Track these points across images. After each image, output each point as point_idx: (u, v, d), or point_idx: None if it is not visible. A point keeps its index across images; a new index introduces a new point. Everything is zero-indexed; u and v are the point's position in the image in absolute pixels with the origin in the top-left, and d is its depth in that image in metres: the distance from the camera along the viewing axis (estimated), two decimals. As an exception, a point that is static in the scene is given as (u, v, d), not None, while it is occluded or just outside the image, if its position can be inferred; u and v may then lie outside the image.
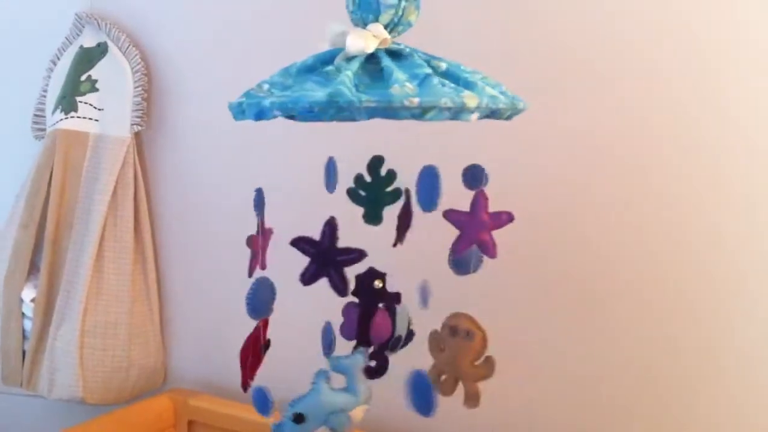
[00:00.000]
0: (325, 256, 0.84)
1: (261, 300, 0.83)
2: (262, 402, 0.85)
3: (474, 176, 0.79)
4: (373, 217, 0.86)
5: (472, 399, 0.81)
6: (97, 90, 1.50)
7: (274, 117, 0.69)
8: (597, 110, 1.07)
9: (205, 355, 1.52)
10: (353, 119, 0.66)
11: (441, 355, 0.82)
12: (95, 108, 1.50)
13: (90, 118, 1.50)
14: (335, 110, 0.65)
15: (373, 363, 0.86)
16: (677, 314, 1.05)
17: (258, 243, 0.85)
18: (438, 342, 0.83)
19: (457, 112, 0.67)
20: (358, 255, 0.84)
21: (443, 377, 0.83)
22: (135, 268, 1.50)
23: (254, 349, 0.85)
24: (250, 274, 0.86)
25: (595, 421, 1.13)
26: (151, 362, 1.53)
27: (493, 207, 0.79)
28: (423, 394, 0.81)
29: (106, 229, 1.47)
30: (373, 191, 0.86)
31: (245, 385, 0.85)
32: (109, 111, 1.50)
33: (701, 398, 1.05)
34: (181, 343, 1.56)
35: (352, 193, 0.87)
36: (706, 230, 1.02)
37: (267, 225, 0.86)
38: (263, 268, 0.87)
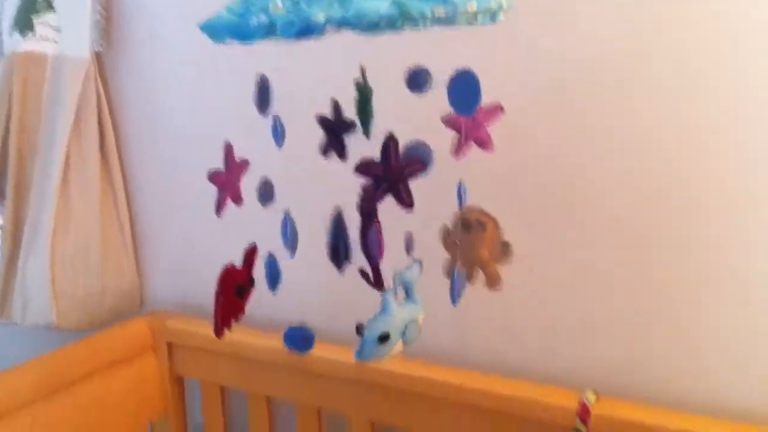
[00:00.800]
0: (393, 173, 0.83)
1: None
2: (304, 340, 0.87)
3: (417, 81, 0.79)
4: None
5: (494, 282, 0.84)
6: (53, 9, 1.45)
7: (320, 34, 0.67)
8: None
9: (182, 276, 1.52)
10: (396, 30, 0.66)
11: (456, 248, 0.84)
12: (53, 28, 1.45)
13: (48, 39, 1.45)
14: (403, 20, 0.66)
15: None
16: (677, 200, 1.05)
17: (223, 179, 0.85)
18: (452, 237, 0.84)
19: (494, 14, 0.72)
20: (420, 166, 0.83)
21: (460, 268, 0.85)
22: (103, 192, 1.48)
23: (228, 291, 0.84)
24: (218, 211, 0.85)
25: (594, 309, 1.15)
26: (126, 286, 1.52)
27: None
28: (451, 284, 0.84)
29: (71, 153, 1.44)
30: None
31: (218, 333, 0.85)
32: (67, 31, 1.45)
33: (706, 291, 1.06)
34: (156, 266, 1.55)
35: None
36: (706, 114, 1.01)
37: (239, 156, 0.85)
38: (237, 202, 0.86)
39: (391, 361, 0.93)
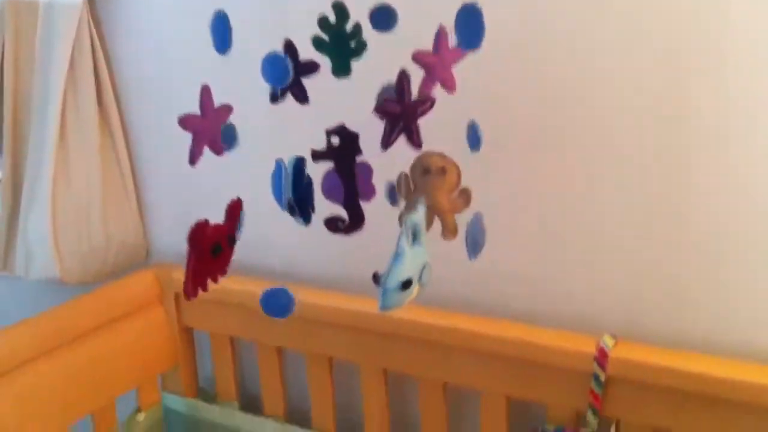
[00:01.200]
0: (408, 111, 0.80)
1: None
2: (280, 306, 0.84)
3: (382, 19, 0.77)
4: (341, 68, 0.81)
5: (451, 231, 0.82)
6: (42, -46, 1.39)
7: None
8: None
9: (187, 227, 1.48)
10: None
11: (412, 194, 0.81)
12: (42, -28, 1.40)
13: (38, -16, 1.40)
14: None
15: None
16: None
17: (198, 124, 0.80)
18: (408, 182, 0.81)
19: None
20: (431, 104, 0.80)
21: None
22: (102, 142, 1.44)
23: (200, 251, 0.81)
24: (192, 161, 0.81)
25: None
26: (131, 238, 1.50)
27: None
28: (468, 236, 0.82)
29: (67, 102, 1.39)
30: (337, 40, 0.81)
31: (188, 294, 0.82)
32: (57, -25, 1.40)
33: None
34: (160, 217, 1.52)
35: (316, 42, 0.81)
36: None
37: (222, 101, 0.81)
38: (216, 150, 0.82)
39: (403, 309, 0.91)
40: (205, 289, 0.83)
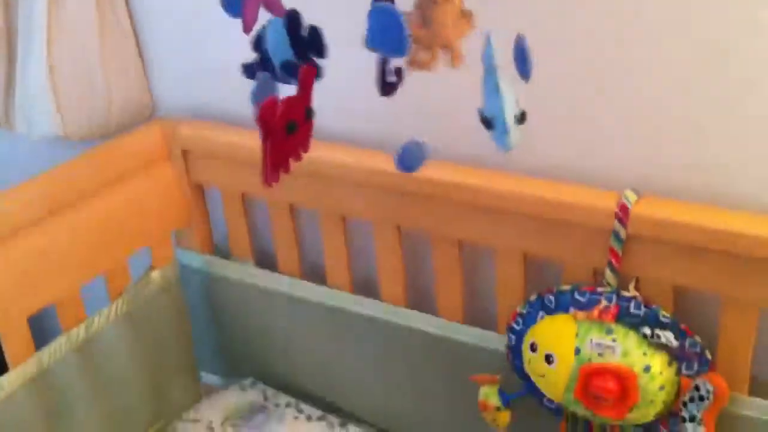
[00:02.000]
0: None
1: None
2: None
3: None
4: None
5: (458, 58, 0.78)
6: None
7: None
8: None
9: (192, 83, 1.43)
10: None
11: (423, 27, 0.77)
12: None
13: None
14: None
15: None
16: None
17: None
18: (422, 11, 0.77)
19: None
20: None
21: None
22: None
23: (274, 131, 0.74)
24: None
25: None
26: (135, 93, 1.44)
27: None
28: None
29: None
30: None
31: (268, 180, 0.77)
32: None
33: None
34: (165, 72, 1.46)
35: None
36: None
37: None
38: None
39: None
40: (287, 170, 0.79)
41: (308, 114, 0.78)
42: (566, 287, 1.05)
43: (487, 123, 0.76)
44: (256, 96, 0.77)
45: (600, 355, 1.00)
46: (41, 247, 1.19)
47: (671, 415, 1.03)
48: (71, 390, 1.25)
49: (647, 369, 0.99)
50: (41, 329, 1.25)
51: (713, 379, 0.98)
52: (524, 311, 1.09)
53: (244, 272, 1.40)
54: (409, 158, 0.88)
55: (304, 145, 0.80)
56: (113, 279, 1.30)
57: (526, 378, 1.10)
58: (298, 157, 0.80)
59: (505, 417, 1.14)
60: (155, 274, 1.37)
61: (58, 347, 1.22)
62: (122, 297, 1.31)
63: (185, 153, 1.37)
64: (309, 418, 1.42)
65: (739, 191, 1.00)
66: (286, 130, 0.76)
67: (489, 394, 1.13)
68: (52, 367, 1.21)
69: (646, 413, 1.02)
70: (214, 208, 1.44)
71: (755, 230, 0.93)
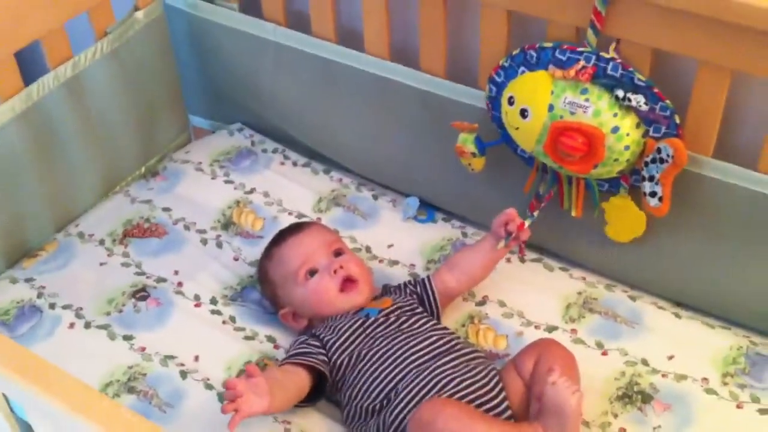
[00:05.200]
0: None
1: None
2: None
3: None
4: None
5: None
6: None
7: None
8: None
9: None
10: None
11: None
12: None
13: None
14: None
15: None
16: None
17: None
18: None
19: None
20: None
21: None
22: None
23: None
24: None
25: None
26: None
27: None
28: None
29: None
30: None
31: None
32: None
33: None
34: None
35: None
36: None
37: None
38: None
39: None
40: None
41: None
42: (548, 44, 1.06)
43: None
44: None
45: (572, 113, 1.03)
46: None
47: (634, 172, 1.08)
48: (61, 125, 1.28)
49: (615, 130, 1.02)
50: (30, 71, 1.25)
51: (674, 143, 1.02)
52: (506, 64, 1.10)
53: (229, 17, 1.39)
54: None
55: None
56: (97, 17, 1.29)
57: (502, 128, 1.14)
58: None
59: (479, 162, 1.19)
60: (140, 14, 1.35)
61: (46, 82, 1.24)
62: (107, 36, 1.30)
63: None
64: (294, 164, 1.47)
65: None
66: None
67: (466, 140, 1.18)
68: (42, 101, 1.24)
69: (611, 170, 1.07)
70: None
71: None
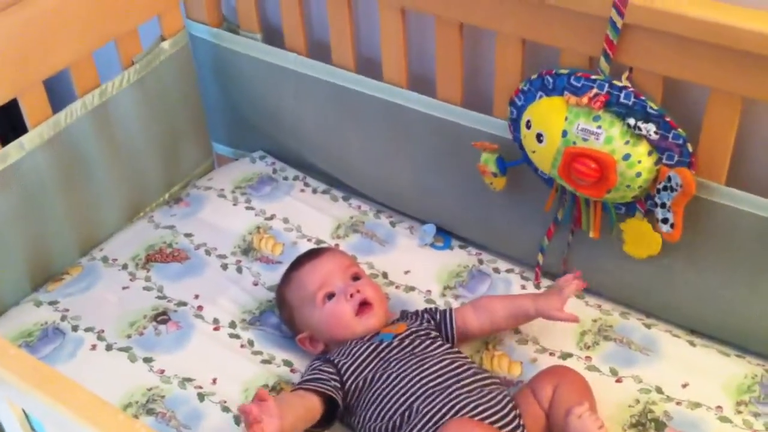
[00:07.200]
0: None
1: None
2: None
3: None
4: None
5: None
6: None
7: None
8: None
9: None
10: None
11: None
12: None
13: None
14: None
15: None
16: None
17: None
18: None
19: None
20: None
21: None
22: None
23: None
24: None
25: None
26: None
27: None
28: None
29: None
30: None
31: None
32: None
33: None
34: None
35: None
36: None
37: None
38: None
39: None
40: None
41: None
42: (564, 70, 1.07)
43: None
44: None
45: (585, 140, 1.04)
46: (52, 11, 1.21)
47: (649, 197, 1.09)
48: (88, 151, 1.32)
49: (627, 157, 1.03)
50: (59, 99, 1.29)
51: (682, 173, 1.03)
52: (525, 88, 1.12)
53: (253, 47, 1.42)
54: None
55: None
56: (124, 46, 1.33)
57: (523, 149, 1.16)
58: None
59: (501, 182, 1.22)
60: (166, 45, 1.39)
61: (74, 110, 1.28)
62: (134, 65, 1.34)
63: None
64: (314, 191, 1.50)
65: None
66: None
67: (488, 160, 1.20)
68: (69, 128, 1.28)
69: (624, 195, 1.08)
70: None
71: (748, 24, 0.94)
